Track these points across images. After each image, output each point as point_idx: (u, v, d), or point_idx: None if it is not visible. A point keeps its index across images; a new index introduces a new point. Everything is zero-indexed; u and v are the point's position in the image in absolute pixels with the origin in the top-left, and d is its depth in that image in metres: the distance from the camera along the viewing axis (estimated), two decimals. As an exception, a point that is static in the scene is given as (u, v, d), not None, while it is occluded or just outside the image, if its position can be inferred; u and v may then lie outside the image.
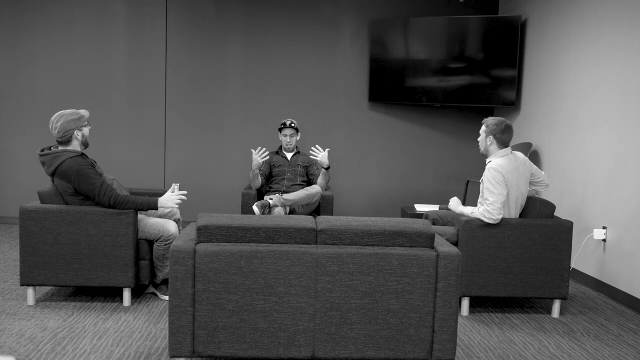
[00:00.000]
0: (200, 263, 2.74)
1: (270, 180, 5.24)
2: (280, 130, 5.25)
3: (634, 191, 4.22)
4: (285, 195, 4.76)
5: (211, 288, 2.75)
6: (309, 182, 5.31)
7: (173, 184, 3.97)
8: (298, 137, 5.29)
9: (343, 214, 6.77)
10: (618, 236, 4.41)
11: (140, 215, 4.02)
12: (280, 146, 5.35)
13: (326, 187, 5.20)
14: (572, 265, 5.04)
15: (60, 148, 3.78)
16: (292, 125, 5.20)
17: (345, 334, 2.80)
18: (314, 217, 3.24)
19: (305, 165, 5.27)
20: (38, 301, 3.92)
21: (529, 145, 5.63)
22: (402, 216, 6.09)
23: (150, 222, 3.94)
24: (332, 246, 2.81)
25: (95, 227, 3.74)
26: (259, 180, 5.02)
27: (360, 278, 2.78)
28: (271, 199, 4.76)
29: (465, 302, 3.92)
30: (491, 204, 3.76)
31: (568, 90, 5.15)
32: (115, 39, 6.44)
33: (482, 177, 3.92)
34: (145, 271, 3.91)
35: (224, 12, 6.47)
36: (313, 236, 2.82)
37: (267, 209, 4.71)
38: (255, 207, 4.68)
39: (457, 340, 3.38)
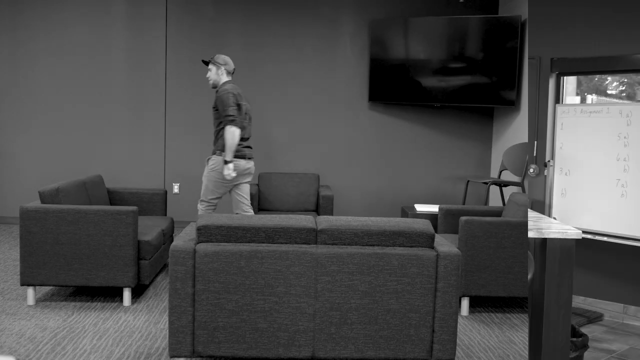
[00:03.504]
0: (200, 263, 2.74)
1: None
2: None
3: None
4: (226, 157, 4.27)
5: (211, 288, 2.75)
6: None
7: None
8: (215, 71, 4.59)
9: (343, 214, 6.77)
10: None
11: None
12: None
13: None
14: (572, 265, 5.04)
15: None
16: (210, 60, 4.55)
17: (345, 334, 2.80)
18: (314, 217, 3.24)
19: (215, 106, 4.49)
20: (38, 301, 3.92)
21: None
22: (402, 216, 6.09)
23: None
24: (332, 246, 2.81)
25: (95, 227, 3.74)
26: None
27: (360, 278, 2.78)
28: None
29: (465, 302, 3.92)
30: None
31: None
32: (116, 39, 6.44)
33: None
34: (145, 271, 3.91)
35: (224, 13, 6.47)
36: (313, 236, 2.82)
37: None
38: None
39: (457, 340, 3.38)
